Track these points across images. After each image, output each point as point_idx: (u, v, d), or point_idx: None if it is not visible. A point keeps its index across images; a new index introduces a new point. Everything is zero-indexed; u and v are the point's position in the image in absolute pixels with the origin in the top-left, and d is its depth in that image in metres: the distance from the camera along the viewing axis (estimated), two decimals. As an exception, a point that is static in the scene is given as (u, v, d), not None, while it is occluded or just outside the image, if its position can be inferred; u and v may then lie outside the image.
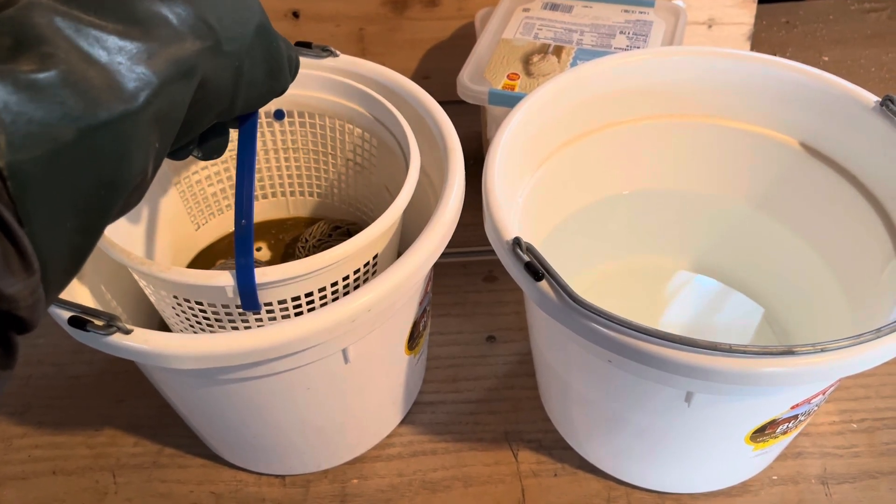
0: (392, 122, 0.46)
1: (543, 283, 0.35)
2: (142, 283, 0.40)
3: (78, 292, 0.42)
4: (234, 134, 0.37)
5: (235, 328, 0.39)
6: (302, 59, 0.48)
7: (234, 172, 0.42)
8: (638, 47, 0.59)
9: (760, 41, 0.87)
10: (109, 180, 0.23)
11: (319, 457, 0.49)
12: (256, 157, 0.51)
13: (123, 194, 0.24)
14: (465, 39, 0.76)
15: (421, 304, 0.45)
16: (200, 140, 0.35)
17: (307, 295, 0.38)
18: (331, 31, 0.76)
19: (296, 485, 0.49)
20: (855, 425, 0.51)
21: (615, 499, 0.48)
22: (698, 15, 0.73)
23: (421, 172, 0.48)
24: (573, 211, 0.53)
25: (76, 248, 0.23)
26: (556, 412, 0.51)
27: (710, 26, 0.74)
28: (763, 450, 0.43)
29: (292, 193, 0.55)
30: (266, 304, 0.38)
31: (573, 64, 0.58)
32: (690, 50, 0.48)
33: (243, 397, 0.41)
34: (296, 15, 0.75)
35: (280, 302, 0.38)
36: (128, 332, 0.34)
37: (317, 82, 0.48)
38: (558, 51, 0.59)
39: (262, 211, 0.56)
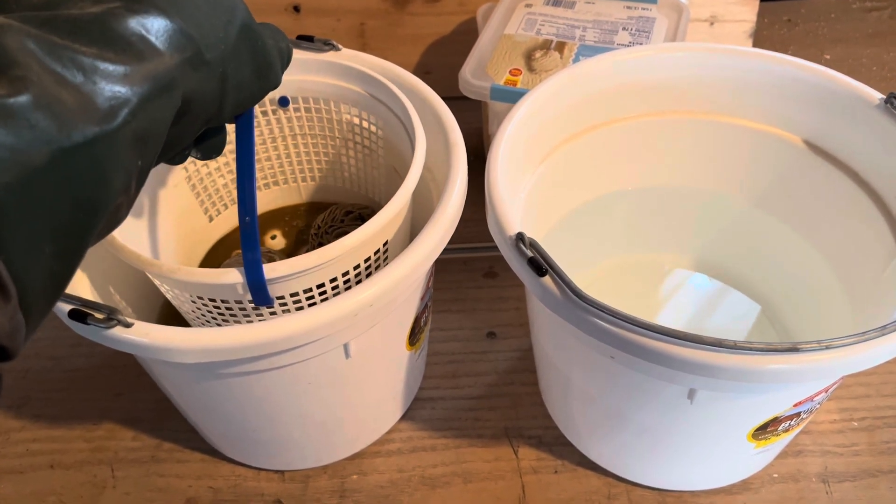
0: (395, 103, 0.45)
1: (547, 279, 0.34)
2: (156, 282, 0.40)
3: (78, 285, 0.42)
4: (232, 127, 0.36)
5: (249, 321, 0.39)
6: (304, 52, 0.48)
7: None
8: (640, 44, 0.59)
9: (762, 39, 0.87)
10: (88, 203, 0.23)
11: (319, 452, 0.49)
12: (256, 151, 0.52)
13: (103, 215, 0.24)
14: (466, 35, 0.76)
15: (422, 299, 0.44)
16: (196, 141, 0.34)
17: (319, 286, 0.38)
18: (332, 26, 0.76)
19: (295, 480, 0.49)
20: (856, 423, 0.51)
21: (616, 496, 0.48)
22: (700, 12, 0.73)
23: (423, 168, 0.48)
24: (575, 207, 0.53)
25: (56, 273, 0.23)
26: (557, 408, 0.50)
27: (712, 23, 0.73)
28: (764, 447, 0.43)
29: (303, 179, 0.55)
30: (279, 298, 0.37)
31: (575, 60, 0.58)
32: (693, 46, 0.48)
33: (244, 391, 0.41)
34: (297, 9, 0.74)
35: (292, 295, 0.38)
36: (128, 325, 0.34)
37: (318, 67, 0.48)
38: (560, 47, 0.59)
39: (275, 198, 0.56)
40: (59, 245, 0.22)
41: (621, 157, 0.52)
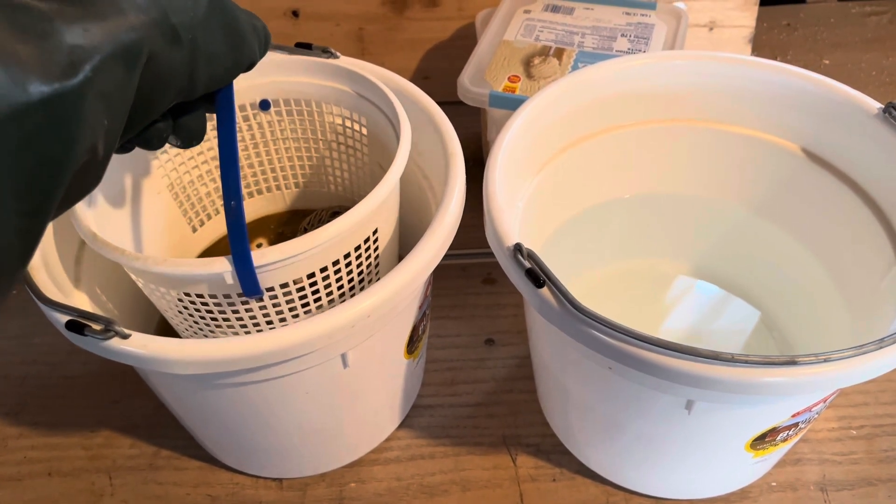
0: (379, 98, 0.45)
1: (545, 290, 0.34)
2: (140, 283, 0.40)
3: (75, 295, 0.42)
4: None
5: (240, 319, 0.39)
6: (283, 54, 0.47)
7: None
8: (639, 50, 0.59)
9: (761, 44, 0.87)
10: (51, 159, 0.23)
11: (317, 460, 0.49)
12: (239, 142, 0.51)
13: (68, 174, 0.24)
14: (465, 40, 0.76)
15: (420, 307, 0.44)
16: (174, 122, 0.34)
17: (309, 276, 0.38)
18: (330, 31, 0.75)
19: (293, 488, 0.49)
20: (854, 432, 0.51)
21: (613, 504, 0.48)
22: (699, 17, 0.73)
23: (420, 176, 0.48)
24: (573, 214, 0.52)
25: (24, 231, 0.23)
26: (555, 417, 0.50)
27: (711, 29, 0.73)
28: (763, 457, 0.43)
29: (287, 186, 0.55)
30: (268, 290, 0.37)
31: (574, 66, 0.58)
32: (692, 54, 0.48)
33: (241, 401, 0.41)
34: (295, 14, 0.74)
35: (282, 285, 0.37)
36: (126, 336, 0.34)
37: (299, 66, 0.47)
38: (559, 53, 0.59)
39: (259, 207, 0.56)
40: (24, 203, 0.22)
41: (620, 165, 0.52)
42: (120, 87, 0.25)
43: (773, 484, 0.48)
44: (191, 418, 0.46)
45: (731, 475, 0.46)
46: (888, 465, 0.49)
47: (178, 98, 0.30)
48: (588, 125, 0.49)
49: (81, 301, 0.42)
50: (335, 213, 0.52)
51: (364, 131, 0.48)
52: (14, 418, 0.54)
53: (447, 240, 0.39)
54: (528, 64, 0.58)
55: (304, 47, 0.48)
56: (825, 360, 0.31)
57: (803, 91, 0.46)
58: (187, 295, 0.37)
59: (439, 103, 0.46)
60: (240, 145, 0.51)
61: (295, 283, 0.37)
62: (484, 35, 0.62)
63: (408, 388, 0.50)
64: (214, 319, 0.39)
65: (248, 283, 0.35)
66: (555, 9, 0.64)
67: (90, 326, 0.34)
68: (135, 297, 0.47)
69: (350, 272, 0.40)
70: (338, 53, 0.49)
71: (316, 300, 0.39)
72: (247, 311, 0.38)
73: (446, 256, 0.39)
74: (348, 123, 0.49)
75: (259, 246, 0.54)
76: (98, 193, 0.41)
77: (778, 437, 0.41)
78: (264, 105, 0.49)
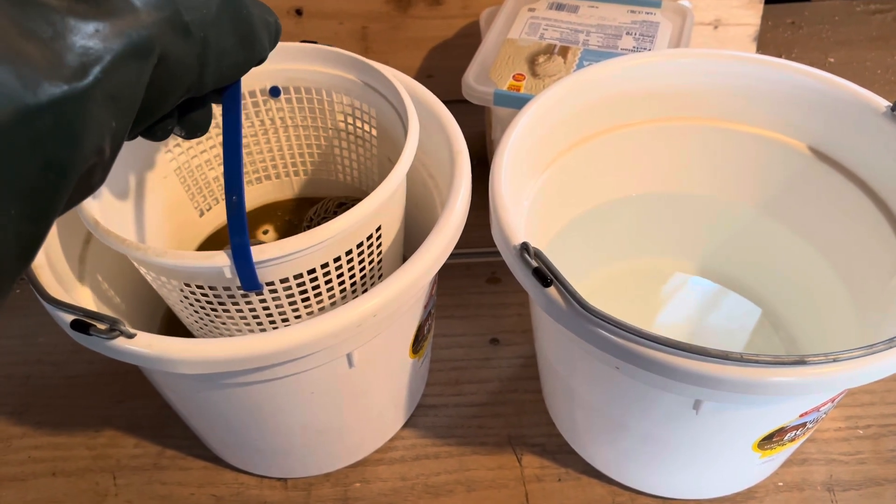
0: (388, 89, 0.44)
1: (552, 290, 0.34)
2: (142, 271, 0.39)
3: (80, 294, 0.42)
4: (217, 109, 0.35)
5: (240, 311, 0.38)
6: (294, 41, 0.47)
7: None
8: (644, 48, 0.59)
9: (766, 42, 0.86)
10: (57, 163, 0.22)
11: (322, 460, 0.49)
12: (247, 144, 0.51)
13: (74, 177, 0.23)
14: (469, 38, 0.75)
15: (426, 307, 0.44)
16: (180, 116, 0.33)
17: (310, 271, 0.37)
18: (334, 29, 0.75)
19: (297, 488, 0.49)
20: (861, 431, 0.50)
21: (619, 504, 0.48)
22: (704, 16, 0.72)
23: (426, 174, 0.48)
24: (579, 213, 0.52)
25: (26, 235, 0.22)
26: (561, 416, 0.50)
27: (715, 27, 0.73)
28: (770, 457, 0.43)
29: (296, 174, 0.55)
30: (268, 284, 0.37)
31: (579, 65, 0.58)
32: (698, 52, 0.48)
33: (246, 401, 0.40)
34: (299, 12, 0.74)
35: (282, 280, 0.37)
36: (131, 336, 0.34)
37: (309, 55, 0.47)
38: (564, 51, 0.59)
39: (266, 193, 0.55)
40: (27, 206, 0.22)
41: (626, 164, 0.51)
42: (129, 88, 0.25)
43: (780, 484, 0.48)
44: (195, 418, 0.46)
45: (738, 475, 0.46)
46: (895, 466, 0.49)
47: (187, 95, 0.30)
48: (594, 124, 0.49)
49: (86, 300, 0.42)
50: (342, 203, 0.52)
51: (373, 122, 0.48)
52: (18, 418, 0.54)
53: (453, 239, 0.39)
54: (532, 62, 0.58)
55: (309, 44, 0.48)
56: (834, 360, 0.31)
57: (810, 89, 0.46)
58: (188, 286, 0.37)
59: (444, 102, 0.46)
60: (249, 131, 0.51)
61: (295, 278, 0.37)
62: (488, 33, 0.62)
63: (412, 387, 0.50)
64: (214, 310, 0.39)
65: (247, 278, 0.35)
66: (559, 7, 0.64)
67: (95, 326, 0.34)
68: (139, 296, 0.47)
69: (352, 269, 0.40)
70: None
71: (317, 295, 0.39)
72: (247, 303, 0.38)
73: (451, 255, 0.39)
74: (357, 114, 0.49)
75: (265, 232, 0.54)
76: None
77: (785, 437, 0.40)
78: (274, 92, 0.49)
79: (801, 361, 0.31)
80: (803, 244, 0.50)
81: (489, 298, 0.60)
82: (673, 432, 0.41)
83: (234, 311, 0.39)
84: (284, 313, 0.39)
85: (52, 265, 0.39)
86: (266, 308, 0.39)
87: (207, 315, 0.39)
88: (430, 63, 0.78)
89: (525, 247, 0.35)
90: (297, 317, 0.40)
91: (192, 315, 0.41)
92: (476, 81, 0.56)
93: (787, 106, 0.47)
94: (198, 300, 0.38)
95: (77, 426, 0.53)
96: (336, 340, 0.35)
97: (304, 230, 0.50)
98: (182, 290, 0.38)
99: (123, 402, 0.54)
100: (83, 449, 0.52)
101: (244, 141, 0.51)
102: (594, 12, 0.63)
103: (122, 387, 0.55)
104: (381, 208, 0.38)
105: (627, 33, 0.61)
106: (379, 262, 0.42)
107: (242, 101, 0.49)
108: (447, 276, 0.60)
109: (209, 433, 0.48)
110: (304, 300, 0.39)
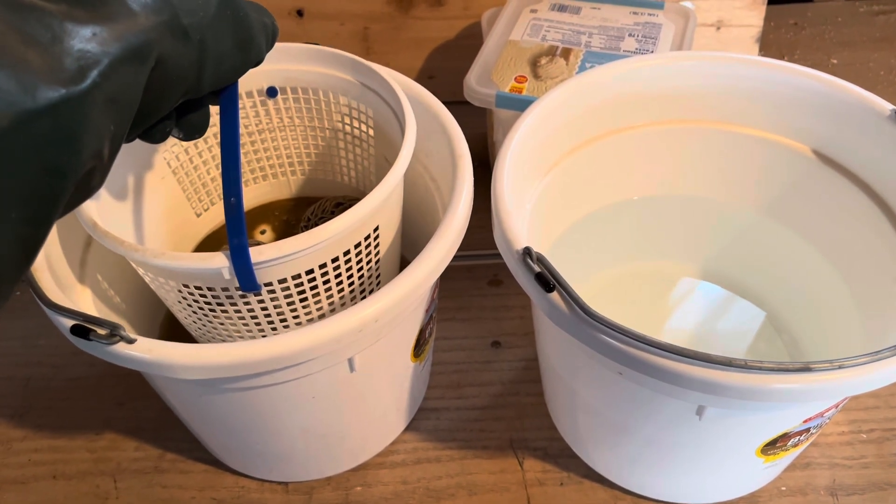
0: (385, 90, 0.44)
1: (554, 295, 0.34)
2: (140, 272, 0.39)
3: (81, 299, 0.42)
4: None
5: (239, 313, 0.38)
6: (291, 41, 0.47)
7: None
8: (647, 50, 0.59)
9: (769, 43, 0.86)
10: (55, 167, 0.22)
11: (323, 464, 0.49)
12: (244, 144, 0.51)
13: (73, 181, 0.23)
14: (471, 39, 0.75)
15: (427, 311, 0.44)
16: (178, 118, 0.33)
17: (308, 272, 0.37)
18: (335, 30, 0.75)
19: (299, 492, 0.49)
20: (864, 436, 0.50)
21: (622, 509, 0.47)
22: (707, 17, 0.72)
23: (427, 177, 0.48)
24: (582, 216, 0.52)
25: (25, 239, 0.22)
26: (563, 420, 0.50)
27: (718, 28, 0.73)
28: (773, 462, 0.42)
29: (293, 173, 0.55)
30: (266, 285, 0.37)
31: (581, 67, 0.57)
32: (702, 55, 0.48)
33: (247, 406, 0.40)
34: (300, 13, 0.74)
35: (280, 281, 0.37)
36: (131, 341, 0.34)
37: (306, 55, 0.47)
38: (566, 53, 0.59)
39: (263, 193, 0.55)
40: (26, 210, 0.22)
41: (629, 166, 0.51)
42: (127, 91, 0.25)
43: (783, 488, 0.48)
44: (196, 422, 0.46)
45: (741, 480, 0.46)
46: (899, 470, 0.49)
47: (185, 97, 0.30)
48: (597, 126, 0.49)
49: (86, 304, 0.42)
50: (339, 204, 0.52)
51: (370, 123, 0.48)
52: (19, 420, 0.53)
53: (455, 243, 0.39)
54: (534, 64, 0.58)
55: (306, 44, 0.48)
56: (839, 367, 0.31)
57: (814, 92, 0.46)
58: (186, 287, 0.37)
59: (445, 103, 0.46)
60: (247, 131, 0.51)
61: (294, 279, 0.37)
62: (490, 35, 0.61)
63: (414, 391, 0.50)
64: (213, 311, 0.39)
65: (246, 279, 0.35)
66: (561, 8, 0.64)
67: (95, 331, 0.34)
68: (140, 300, 0.47)
69: (350, 269, 0.40)
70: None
71: (315, 297, 0.39)
72: (245, 305, 0.38)
73: (453, 258, 0.39)
74: (354, 114, 0.49)
75: (263, 232, 0.54)
76: None
77: (789, 443, 0.40)
78: (271, 92, 0.49)
79: (805, 368, 0.31)
80: (807, 247, 0.50)
81: (491, 301, 0.60)
82: (676, 437, 0.41)
83: (233, 313, 0.39)
84: (283, 315, 0.39)
85: (52, 269, 0.39)
86: (265, 309, 0.38)
87: (206, 316, 0.39)
88: (432, 64, 0.78)
89: (528, 252, 0.35)
90: (296, 318, 0.40)
91: (190, 316, 0.40)
92: (478, 83, 0.56)
93: (790, 109, 0.47)
94: (196, 301, 0.38)
95: (78, 429, 0.53)
96: (337, 345, 0.35)
97: (302, 230, 0.50)
98: (180, 292, 0.38)
99: (124, 405, 0.54)
100: (84, 452, 0.52)
101: (241, 141, 0.51)
102: (596, 14, 0.63)
103: (123, 389, 0.55)
104: (379, 209, 0.38)
105: (630, 35, 0.61)
106: (377, 263, 0.42)
107: (240, 102, 0.49)
108: (449, 278, 0.60)
109: (210, 437, 0.47)
110: (302, 301, 0.39)
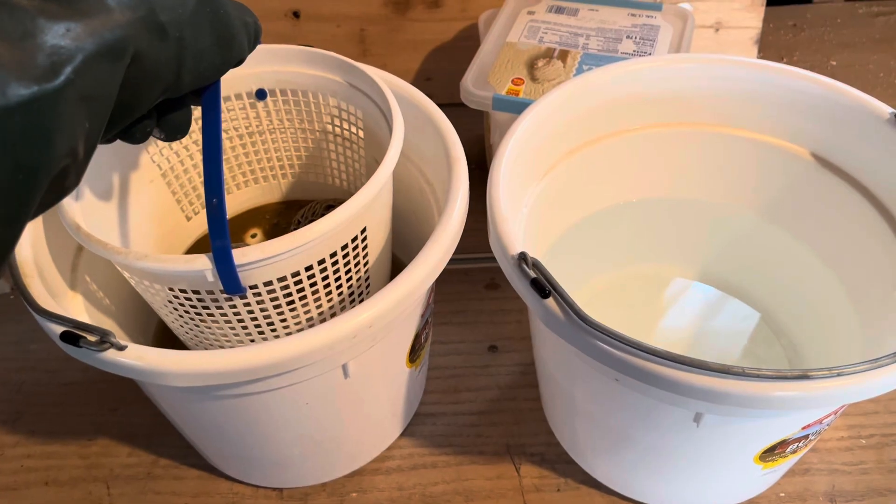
0: (374, 91, 0.44)
1: (550, 301, 0.34)
2: (126, 275, 0.39)
3: (71, 305, 0.41)
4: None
5: (225, 316, 0.38)
6: (280, 43, 0.47)
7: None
8: (645, 52, 0.58)
9: (768, 44, 0.86)
10: (27, 165, 0.22)
11: (318, 470, 0.48)
12: (230, 135, 0.50)
13: (45, 179, 0.23)
14: (467, 41, 0.75)
15: (423, 316, 0.44)
16: (159, 117, 0.33)
17: (294, 275, 0.37)
18: (332, 32, 0.75)
19: (293, 498, 0.48)
20: (863, 441, 0.50)
21: (619, 515, 0.47)
22: (705, 18, 0.72)
23: (423, 181, 0.47)
24: (579, 219, 0.52)
25: None
26: (560, 425, 0.50)
27: (717, 30, 0.72)
28: (772, 468, 0.42)
29: (283, 176, 0.54)
30: (252, 287, 0.36)
31: (579, 69, 0.57)
32: (701, 57, 0.47)
33: (241, 412, 0.40)
34: (296, 15, 0.73)
35: (266, 283, 0.36)
36: (122, 348, 0.33)
37: (295, 56, 0.47)
38: (564, 55, 0.58)
39: (254, 196, 0.55)
40: None
41: (626, 169, 0.51)
42: (102, 88, 0.24)
43: (782, 495, 0.47)
44: (190, 428, 0.45)
45: (739, 487, 0.46)
46: (899, 476, 0.48)
47: (164, 96, 0.29)
48: (594, 129, 0.49)
49: (77, 309, 0.42)
50: (330, 206, 0.51)
51: (360, 124, 0.48)
52: (11, 426, 0.53)
53: (451, 247, 0.38)
54: (532, 66, 0.57)
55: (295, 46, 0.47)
56: (838, 375, 0.30)
57: (813, 95, 0.45)
58: (172, 290, 0.37)
59: (441, 105, 0.45)
60: (236, 133, 0.50)
61: (280, 281, 0.37)
62: (487, 37, 0.61)
63: (410, 396, 0.49)
64: (199, 315, 0.38)
65: (230, 282, 0.34)
66: (559, 10, 0.63)
67: (85, 338, 0.33)
68: (132, 305, 0.47)
69: (337, 271, 0.39)
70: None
71: (302, 300, 0.39)
72: (231, 308, 0.37)
73: (449, 261, 0.39)
74: (344, 115, 0.48)
75: (254, 236, 0.53)
76: (85, 183, 0.40)
77: (788, 449, 0.40)
78: (260, 94, 0.49)
79: (804, 376, 0.30)
80: (805, 251, 0.49)
81: (488, 305, 0.60)
82: (673, 444, 0.40)
83: (220, 317, 0.38)
84: (271, 319, 0.39)
85: (42, 274, 0.38)
86: (251, 313, 0.38)
87: (192, 320, 0.39)
88: (429, 66, 0.77)
89: (523, 257, 0.35)
90: (284, 323, 0.39)
91: (177, 320, 0.40)
92: (474, 86, 0.56)
93: (789, 111, 0.47)
94: (182, 305, 0.38)
95: (70, 435, 0.52)
96: (331, 352, 0.35)
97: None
98: (166, 295, 0.37)
99: (117, 411, 0.54)
100: (76, 458, 0.51)
101: (231, 144, 0.50)
102: (594, 16, 0.63)
103: (116, 395, 0.54)
104: (366, 210, 0.37)
105: (628, 37, 0.60)
106: (366, 265, 0.42)
107: (229, 104, 0.48)
108: (445, 281, 0.59)
109: (204, 443, 0.47)
110: (289, 305, 0.38)
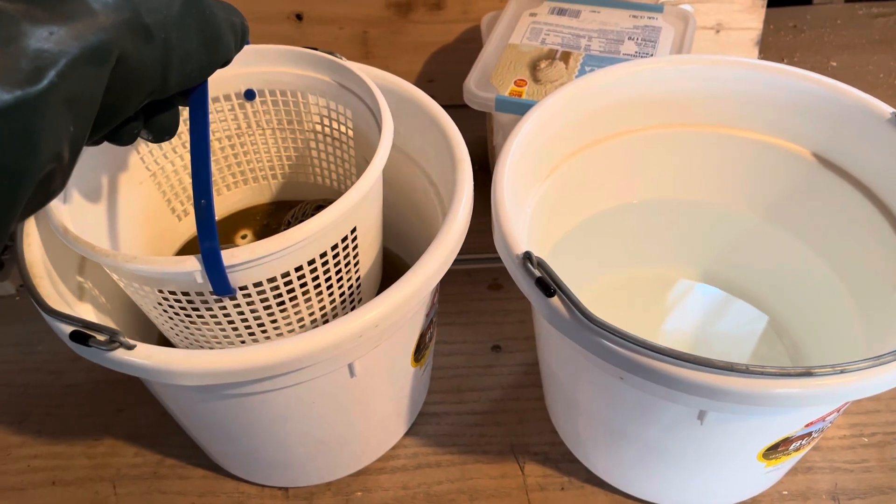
0: (363, 91, 0.44)
1: (555, 300, 0.34)
2: (115, 278, 0.39)
3: (79, 305, 0.42)
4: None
5: (215, 317, 0.38)
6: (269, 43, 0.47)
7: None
8: (647, 53, 0.59)
9: (768, 46, 0.86)
10: (12, 169, 0.22)
11: (323, 469, 0.48)
12: (219, 136, 0.49)
13: (30, 184, 0.23)
14: (470, 43, 0.75)
15: (427, 315, 0.44)
16: (146, 119, 0.33)
17: (284, 276, 0.36)
18: (334, 34, 0.75)
19: (299, 497, 0.49)
20: (866, 439, 0.50)
21: (623, 513, 0.47)
22: (706, 20, 0.72)
23: (427, 182, 0.48)
24: (582, 220, 0.52)
25: None
26: (564, 425, 0.50)
27: (717, 31, 0.73)
28: (775, 466, 0.42)
29: (273, 177, 0.54)
30: (241, 289, 0.36)
31: (581, 70, 0.57)
32: (702, 58, 0.48)
33: (247, 411, 0.40)
34: (299, 17, 0.74)
35: (256, 285, 0.36)
36: (130, 347, 0.34)
37: (284, 56, 0.46)
38: (566, 57, 0.59)
39: (245, 198, 0.54)
40: None
41: (629, 170, 0.51)
42: (87, 91, 0.24)
43: (785, 493, 0.48)
44: (196, 427, 0.46)
45: (743, 484, 0.46)
46: (901, 474, 0.48)
47: (150, 98, 0.29)
48: (597, 130, 0.49)
49: (85, 310, 0.42)
50: (320, 206, 0.51)
51: (349, 124, 0.47)
52: (17, 427, 0.53)
53: (455, 248, 0.39)
54: (534, 68, 0.57)
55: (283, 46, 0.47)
56: (841, 372, 0.31)
57: (814, 95, 0.46)
58: (162, 293, 0.36)
59: (444, 107, 0.45)
60: (225, 135, 0.50)
61: (270, 282, 0.36)
62: (489, 38, 0.61)
63: (414, 396, 0.50)
64: (189, 317, 0.38)
65: (219, 283, 0.34)
66: (561, 12, 0.64)
67: (94, 337, 0.34)
68: (137, 309, 0.47)
69: (328, 272, 0.39)
70: (342, 57, 0.48)
71: (292, 300, 0.38)
72: (222, 310, 0.37)
73: (453, 262, 0.39)
74: (333, 115, 0.48)
75: (244, 237, 0.53)
76: (73, 185, 0.40)
77: (791, 447, 0.40)
78: (249, 95, 0.48)
79: (807, 373, 0.31)
80: (807, 251, 0.50)
81: (491, 305, 0.60)
82: (677, 442, 0.40)
83: (210, 318, 0.38)
84: (261, 320, 0.38)
85: (51, 275, 0.39)
86: (241, 314, 0.38)
87: (182, 322, 0.39)
88: (431, 68, 0.78)
89: (528, 256, 0.35)
90: (275, 324, 0.39)
91: (167, 322, 0.40)
92: (477, 87, 0.56)
93: (790, 112, 0.47)
94: (171, 307, 0.37)
95: (77, 435, 0.53)
96: (338, 351, 0.35)
97: None
98: (156, 297, 0.37)
99: (123, 411, 0.54)
100: (83, 458, 0.51)
101: (220, 145, 0.50)
102: (596, 17, 0.63)
103: (122, 395, 0.55)
104: (355, 209, 0.37)
105: (629, 38, 0.60)
106: (356, 266, 0.41)
107: (217, 105, 0.48)
108: (448, 282, 0.60)
109: (209, 442, 0.47)
110: (280, 306, 0.38)
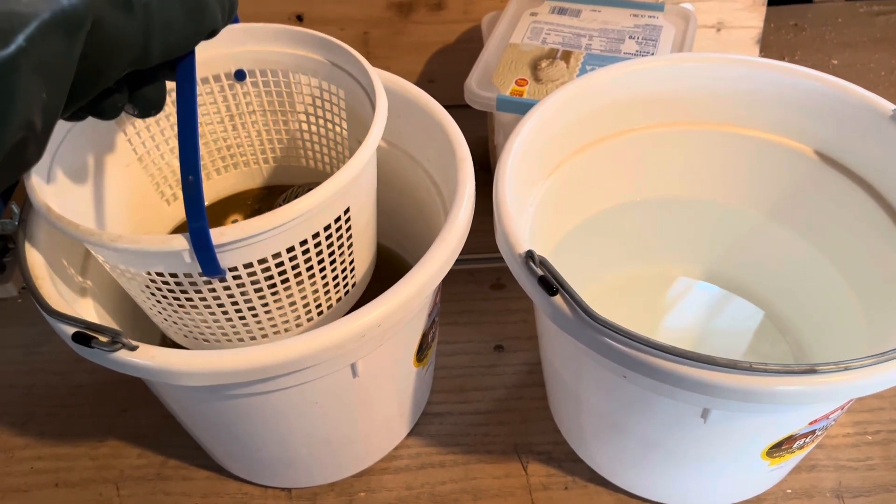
0: (357, 69, 0.43)
1: (558, 298, 0.34)
2: (100, 260, 0.38)
3: (82, 306, 0.42)
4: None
5: (204, 300, 0.37)
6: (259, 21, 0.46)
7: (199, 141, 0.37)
8: (648, 52, 0.59)
9: (769, 44, 0.86)
10: None
11: (326, 470, 0.48)
12: (209, 119, 0.48)
13: (2, 151, 0.22)
14: (471, 43, 0.75)
15: (430, 315, 0.44)
16: (131, 92, 0.32)
17: (275, 256, 0.35)
18: (335, 35, 0.74)
19: (302, 498, 0.49)
20: (870, 437, 0.50)
21: (627, 512, 0.47)
22: (707, 18, 0.72)
23: (429, 181, 0.48)
24: (584, 219, 0.52)
25: None
26: (567, 424, 0.50)
27: (718, 30, 0.73)
28: (779, 464, 0.42)
29: (265, 161, 0.53)
30: (231, 270, 0.35)
31: (582, 69, 0.57)
32: (704, 57, 0.48)
33: (250, 412, 0.40)
34: (300, 18, 0.74)
35: (246, 266, 0.35)
36: (133, 348, 0.34)
37: (275, 35, 0.45)
38: (567, 56, 0.58)
39: (235, 182, 0.53)
40: None
41: (631, 169, 0.51)
42: (59, 58, 0.24)
43: (789, 491, 0.48)
44: (198, 428, 0.46)
45: (746, 483, 0.46)
46: (905, 471, 0.48)
47: (132, 67, 0.28)
48: (598, 129, 0.49)
49: (88, 311, 0.42)
50: (311, 188, 0.51)
51: (342, 105, 0.46)
52: (21, 428, 0.53)
53: (457, 247, 0.39)
54: (535, 67, 0.57)
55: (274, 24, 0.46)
56: (845, 369, 0.31)
57: (816, 93, 0.45)
58: (148, 274, 0.35)
59: (445, 107, 0.45)
60: (216, 118, 0.49)
61: (260, 263, 0.35)
62: (490, 38, 0.61)
63: (417, 396, 0.50)
64: (177, 300, 0.37)
65: (208, 262, 0.33)
66: (561, 11, 0.64)
67: (97, 338, 0.34)
68: (139, 310, 0.47)
69: (320, 253, 0.38)
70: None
71: (284, 282, 0.37)
72: (211, 292, 0.36)
73: (455, 261, 0.39)
74: (326, 96, 0.47)
75: (234, 222, 0.51)
76: (58, 166, 0.39)
77: (794, 445, 0.40)
78: (239, 75, 0.47)
79: (811, 370, 0.31)
80: (810, 248, 0.50)
81: (493, 305, 0.60)
82: (681, 440, 0.40)
83: (199, 302, 0.37)
84: (252, 303, 0.37)
85: (53, 277, 0.39)
86: (231, 297, 0.37)
87: (171, 306, 0.38)
88: (432, 68, 0.78)
89: (530, 255, 0.35)
90: (266, 307, 0.38)
91: (154, 306, 0.39)
92: (478, 87, 0.56)
93: (792, 110, 0.47)
94: (159, 289, 0.36)
95: (80, 436, 0.53)
96: (340, 351, 0.35)
97: None
98: (143, 280, 0.36)
99: (127, 412, 0.54)
100: (86, 459, 0.51)
101: (210, 128, 0.49)
102: (597, 16, 0.63)
103: (126, 396, 0.55)
104: (348, 188, 0.36)
105: (630, 37, 0.60)
106: (350, 249, 0.41)
107: (207, 87, 0.47)
108: (451, 282, 0.60)
109: (213, 443, 0.47)
110: (271, 288, 0.37)
